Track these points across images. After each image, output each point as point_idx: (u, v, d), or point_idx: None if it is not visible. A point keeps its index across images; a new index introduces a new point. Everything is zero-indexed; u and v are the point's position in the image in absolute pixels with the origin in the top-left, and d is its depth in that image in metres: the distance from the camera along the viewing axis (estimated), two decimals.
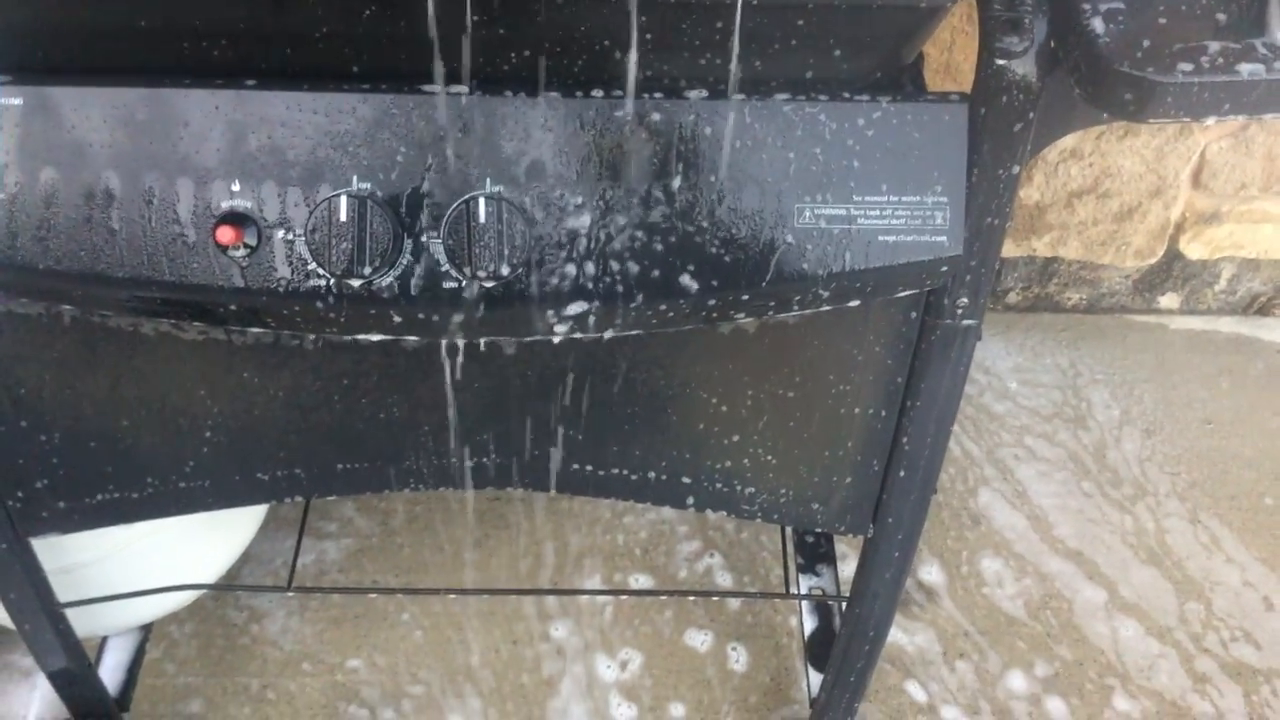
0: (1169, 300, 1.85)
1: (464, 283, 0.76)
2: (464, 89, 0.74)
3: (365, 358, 0.91)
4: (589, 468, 0.99)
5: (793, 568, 1.43)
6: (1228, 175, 1.64)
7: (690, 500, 1.01)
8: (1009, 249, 1.75)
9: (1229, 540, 1.56)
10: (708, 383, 0.93)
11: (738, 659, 1.42)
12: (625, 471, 0.99)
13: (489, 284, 0.76)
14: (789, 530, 1.44)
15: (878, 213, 0.77)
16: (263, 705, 1.36)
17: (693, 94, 0.75)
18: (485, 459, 0.98)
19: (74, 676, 1.17)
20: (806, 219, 0.77)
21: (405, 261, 0.76)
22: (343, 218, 0.73)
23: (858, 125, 0.76)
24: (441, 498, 1.56)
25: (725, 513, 1.03)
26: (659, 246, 0.76)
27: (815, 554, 1.46)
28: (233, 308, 0.78)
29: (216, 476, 0.99)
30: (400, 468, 0.99)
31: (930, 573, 1.51)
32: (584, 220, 0.76)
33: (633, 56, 0.71)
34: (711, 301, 0.78)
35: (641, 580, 1.49)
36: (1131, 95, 0.66)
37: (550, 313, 0.77)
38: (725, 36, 0.71)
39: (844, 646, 1.14)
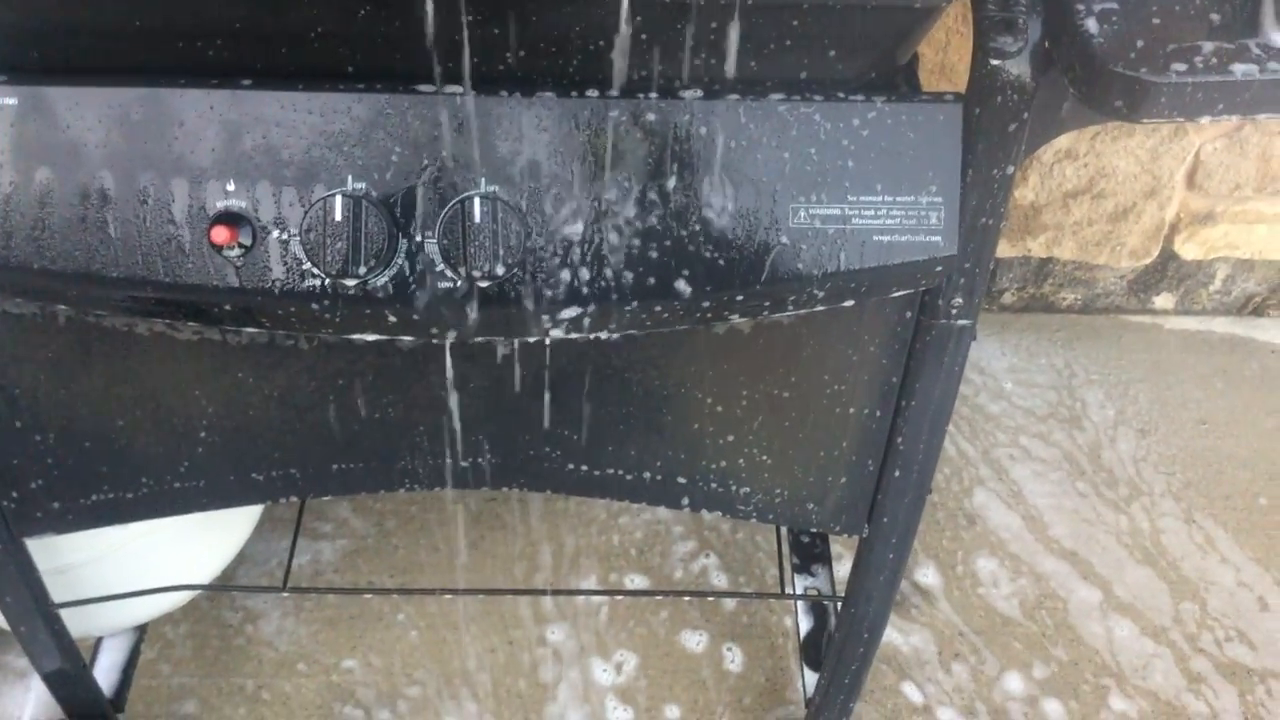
0: (1164, 300, 1.85)
1: (459, 283, 0.76)
2: (459, 89, 0.74)
3: (360, 358, 0.91)
4: (584, 468, 0.99)
5: (788, 568, 1.43)
6: (1222, 176, 1.64)
7: (685, 500, 1.01)
8: (1004, 249, 1.75)
9: (1224, 540, 1.56)
10: (703, 383, 0.93)
11: (733, 659, 1.42)
12: (620, 472, 0.99)
13: (484, 284, 0.76)
14: (784, 530, 1.44)
15: (872, 213, 0.77)
16: (258, 706, 1.36)
17: (688, 94, 0.75)
18: (480, 459, 0.98)
19: (69, 677, 1.17)
20: (801, 219, 0.77)
21: (400, 262, 0.76)
22: (338, 217, 0.73)
23: (853, 125, 0.76)
24: (437, 498, 1.56)
25: (721, 513, 1.04)
26: (654, 247, 0.76)
27: (811, 554, 1.46)
28: (227, 308, 0.78)
29: (211, 477, 0.99)
30: (395, 468, 0.99)
31: (926, 573, 1.51)
32: (579, 220, 0.76)
33: (626, 57, 0.71)
34: (707, 302, 0.78)
35: (637, 581, 1.49)
36: (1125, 95, 0.66)
37: (545, 313, 0.77)
38: (720, 37, 0.71)
39: (839, 647, 1.14)
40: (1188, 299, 1.85)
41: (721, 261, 0.77)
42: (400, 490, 1.01)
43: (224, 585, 1.42)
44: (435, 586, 1.48)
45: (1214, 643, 1.46)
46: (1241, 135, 1.60)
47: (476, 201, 0.74)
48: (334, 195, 0.73)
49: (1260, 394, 1.75)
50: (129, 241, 0.75)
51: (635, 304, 0.77)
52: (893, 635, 1.45)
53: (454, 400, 0.93)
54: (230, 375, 0.91)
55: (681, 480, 1.00)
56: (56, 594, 1.10)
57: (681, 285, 0.77)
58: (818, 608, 1.40)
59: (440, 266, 0.76)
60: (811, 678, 1.32)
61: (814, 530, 1.46)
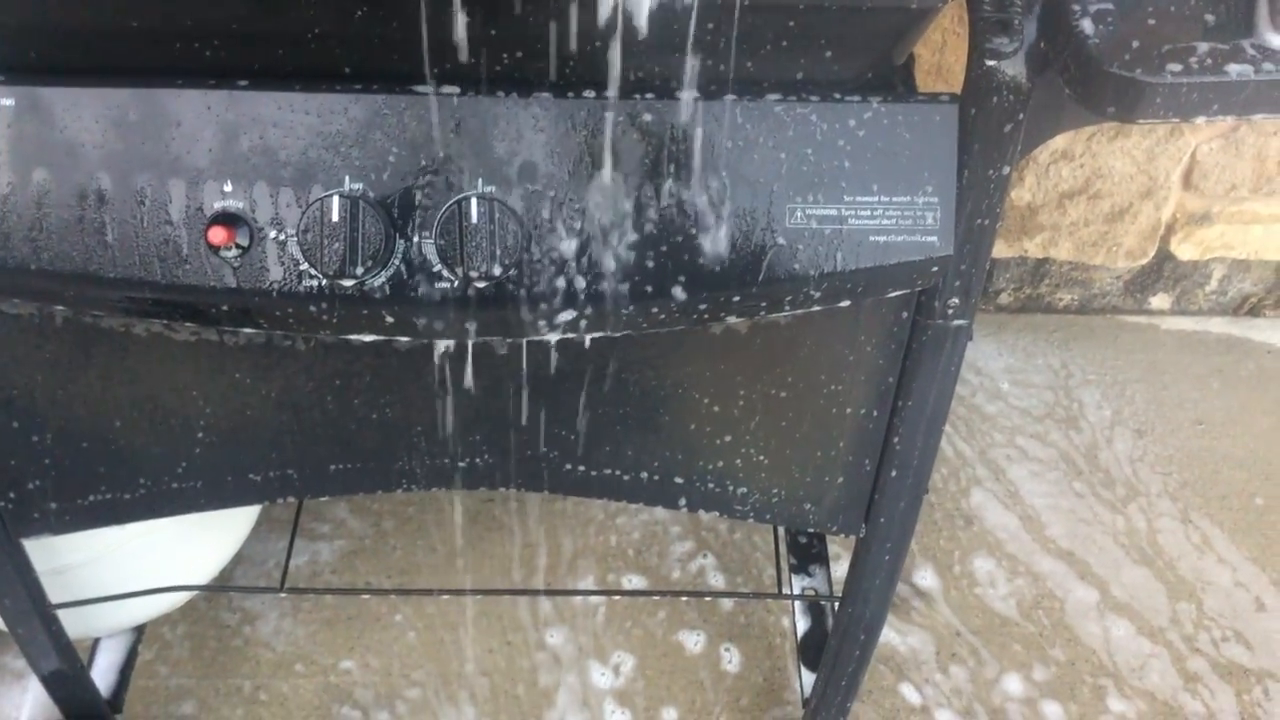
0: (1160, 301, 1.85)
1: (456, 283, 0.76)
2: (455, 89, 0.74)
3: (358, 358, 0.91)
4: (581, 468, 0.99)
5: (785, 568, 1.43)
6: (1218, 176, 1.65)
7: (683, 501, 1.02)
8: (1001, 250, 1.75)
9: (1220, 540, 1.57)
10: (700, 383, 0.93)
11: (730, 660, 1.42)
12: (618, 472, 0.99)
13: (481, 284, 0.76)
14: (782, 531, 1.45)
15: (869, 213, 0.77)
16: (255, 707, 1.36)
17: (684, 95, 0.75)
18: (478, 459, 0.98)
19: (66, 678, 1.17)
20: (798, 219, 0.77)
21: (397, 262, 0.76)
22: (335, 218, 0.73)
23: (849, 126, 0.76)
24: (434, 499, 1.56)
25: (718, 513, 1.04)
26: (651, 248, 0.76)
27: (808, 554, 1.46)
28: (225, 308, 0.78)
29: (209, 477, 0.99)
30: (393, 468, 0.99)
31: (923, 573, 1.52)
32: (576, 221, 0.76)
33: (623, 58, 0.71)
34: (703, 303, 0.78)
35: (635, 581, 1.49)
36: (1121, 96, 0.66)
37: (542, 314, 0.77)
38: (717, 37, 0.72)
39: (836, 647, 1.15)
40: (1184, 299, 1.85)
41: (718, 262, 0.77)
42: (398, 491, 1.01)
43: (222, 586, 1.42)
44: (433, 587, 1.48)
45: (1211, 643, 1.46)
46: (1237, 136, 1.61)
47: (473, 202, 0.74)
48: (331, 196, 0.73)
49: (1256, 394, 1.75)
50: (126, 242, 0.75)
51: (632, 305, 0.77)
52: (890, 635, 1.45)
53: (451, 401, 0.93)
54: (227, 376, 0.91)
55: (679, 480, 1.00)
56: (54, 595, 1.10)
57: (678, 286, 0.77)
58: (815, 608, 1.41)
59: (437, 267, 0.76)
60: (809, 678, 1.32)
61: (811, 530, 1.46)
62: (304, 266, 0.76)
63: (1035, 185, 1.66)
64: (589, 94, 0.74)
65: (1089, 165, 1.63)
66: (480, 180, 0.75)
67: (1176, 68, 0.65)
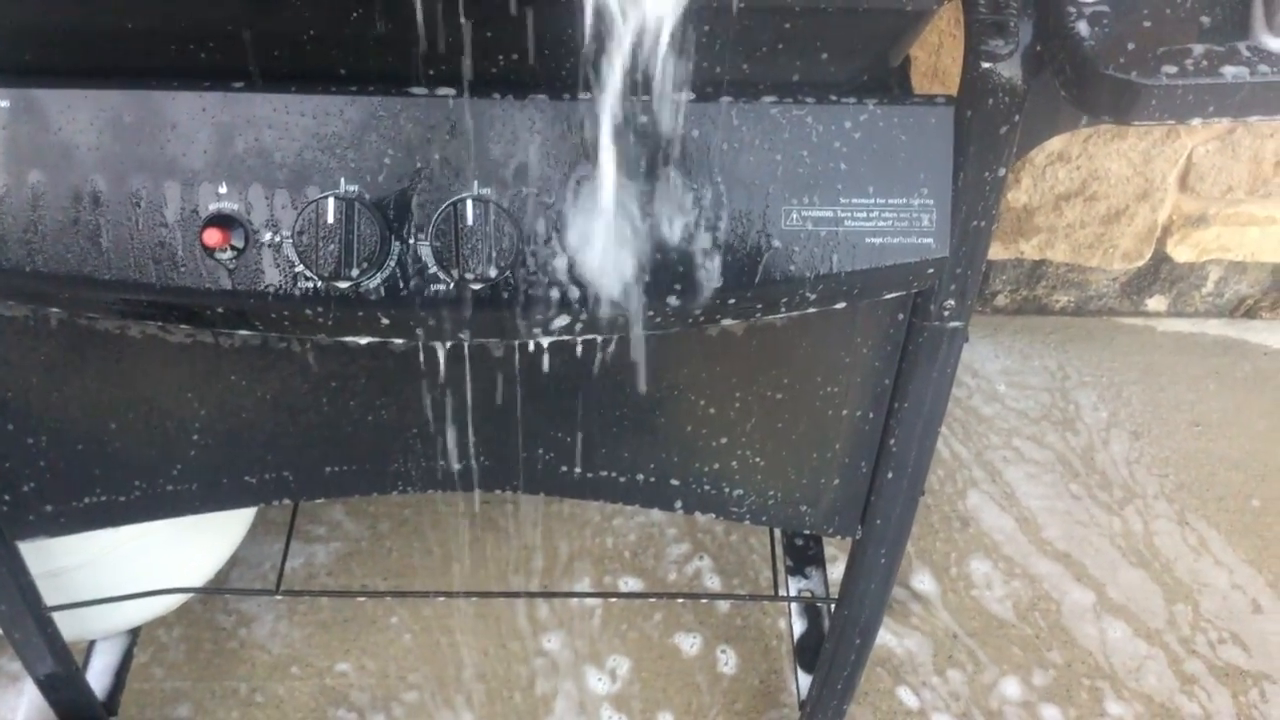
0: (1156, 303, 1.85)
1: (451, 285, 0.76)
2: (451, 91, 0.74)
3: (353, 360, 0.90)
4: (577, 470, 0.99)
5: (782, 570, 1.43)
6: (1214, 178, 1.65)
7: (679, 503, 1.02)
8: (997, 252, 1.75)
9: (1216, 542, 1.57)
10: (695, 385, 0.93)
11: (727, 662, 1.42)
12: (614, 474, 0.99)
13: (476, 286, 0.76)
14: (778, 533, 1.45)
15: (864, 215, 0.77)
16: (251, 709, 1.36)
17: (680, 96, 0.75)
18: (473, 461, 0.98)
19: (61, 681, 1.17)
20: (793, 221, 0.77)
21: (392, 264, 0.76)
22: (330, 220, 0.73)
23: (845, 128, 0.76)
24: (430, 501, 1.56)
25: (714, 515, 1.04)
26: (646, 249, 0.76)
27: (804, 556, 1.46)
28: (220, 310, 0.78)
29: (204, 479, 0.99)
30: (389, 470, 0.99)
31: (919, 575, 1.52)
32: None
33: (618, 60, 0.71)
34: (699, 305, 0.78)
35: (631, 583, 1.49)
36: (1116, 98, 0.66)
37: (537, 316, 0.77)
38: (713, 39, 0.72)
39: (832, 649, 1.14)
40: (1180, 301, 1.85)
41: (714, 264, 0.77)
42: (393, 493, 1.01)
43: (217, 588, 1.42)
44: (429, 589, 1.48)
45: (1207, 645, 1.46)
46: (1234, 138, 1.61)
47: (469, 204, 0.74)
48: (327, 197, 0.73)
49: (1253, 396, 1.75)
50: (121, 244, 0.75)
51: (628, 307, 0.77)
52: (887, 638, 1.45)
53: (446, 403, 0.93)
54: (223, 378, 0.91)
55: (674, 482, 1.00)
56: (49, 597, 1.10)
57: (674, 288, 0.77)
58: (811, 610, 1.41)
59: (433, 269, 0.76)
60: (805, 680, 1.32)
61: (808, 532, 1.46)
62: (299, 268, 0.76)
63: (1031, 187, 1.66)
64: (585, 96, 0.74)
65: (1085, 167, 1.63)
66: (476, 182, 0.75)
67: (1172, 70, 0.65)
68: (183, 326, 0.87)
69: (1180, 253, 1.76)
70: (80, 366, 0.90)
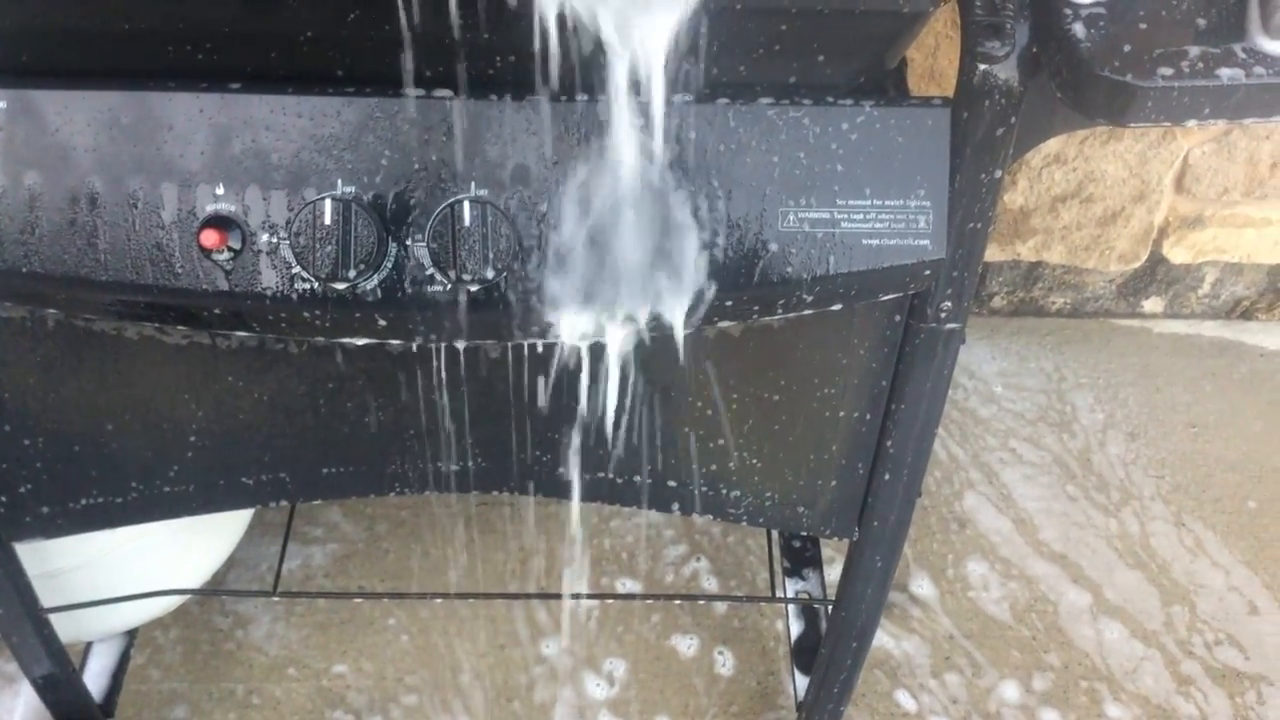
0: (1153, 304, 1.85)
1: (448, 286, 0.76)
2: (448, 93, 0.74)
3: (350, 361, 0.90)
4: (575, 472, 0.99)
5: (779, 571, 1.43)
6: (1210, 180, 1.65)
7: (676, 504, 1.02)
8: (993, 253, 1.75)
9: (1213, 543, 1.57)
10: (693, 386, 0.93)
11: (724, 663, 1.42)
12: (611, 475, 0.99)
13: (473, 287, 0.76)
14: (775, 534, 1.45)
15: (861, 216, 0.77)
16: (248, 711, 1.36)
17: (677, 98, 0.75)
18: (470, 463, 0.98)
19: (58, 682, 1.17)
20: (790, 223, 0.77)
21: (389, 265, 0.76)
22: (327, 221, 0.73)
23: (841, 129, 0.76)
24: (428, 503, 1.56)
25: (711, 516, 1.04)
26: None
27: (801, 558, 1.46)
28: (217, 311, 0.78)
29: (201, 481, 0.99)
30: (386, 472, 0.99)
31: (916, 577, 1.52)
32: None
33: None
34: (696, 306, 0.78)
35: (628, 585, 1.49)
36: (1112, 100, 0.66)
37: (534, 317, 0.77)
38: (710, 41, 0.72)
39: (830, 651, 1.14)
40: (1176, 302, 1.85)
41: (711, 265, 0.77)
42: (390, 494, 1.01)
43: (214, 590, 1.42)
44: (426, 591, 1.47)
45: (1204, 646, 1.46)
46: (1230, 140, 1.61)
47: (466, 205, 0.74)
48: (323, 199, 0.73)
49: (1249, 397, 1.75)
50: (118, 245, 0.75)
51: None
52: (884, 639, 1.45)
53: (443, 404, 0.93)
54: (220, 379, 0.91)
55: (671, 484, 1.00)
56: (46, 599, 1.10)
57: (671, 289, 0.77)
58: (809, 611, 1.41)
59: (430, 270, 0.76)
60: (803, 682, 1.32)
61: (805, 534, 1.46)
62: (296, 270, 0.76)
63: (1028, 189, 1.66)
64: (582, 97, 0.74)
65: (1081, 169, 1.63)
66: (473, 183, 0.75)
67: (1168, 71, 0.65)
68: (180, 328, 0.87)
69: (1176, 254, 1.76)
70: (77, 368, 0.90)
